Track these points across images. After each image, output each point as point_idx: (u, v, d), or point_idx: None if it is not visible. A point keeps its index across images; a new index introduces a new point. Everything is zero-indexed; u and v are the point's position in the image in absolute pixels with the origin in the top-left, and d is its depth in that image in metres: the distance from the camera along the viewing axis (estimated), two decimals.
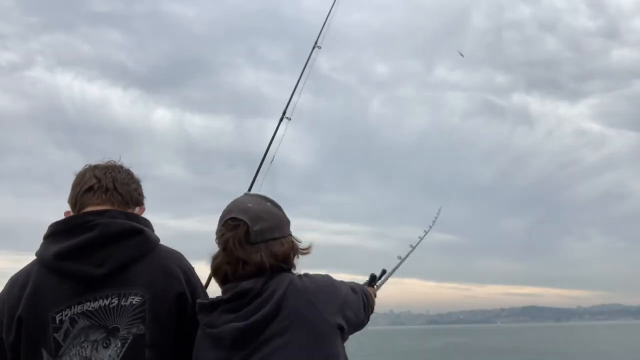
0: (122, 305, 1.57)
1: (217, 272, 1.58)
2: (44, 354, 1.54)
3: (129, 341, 1.55)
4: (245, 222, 1.54)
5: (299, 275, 1.58)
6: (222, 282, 1.57)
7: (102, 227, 1.59)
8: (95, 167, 1.76)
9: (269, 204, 1.63)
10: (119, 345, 1.55)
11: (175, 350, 1.62)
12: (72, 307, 1.55)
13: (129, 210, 1.72)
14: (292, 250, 1.60)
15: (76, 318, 1.55)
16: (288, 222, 1.66)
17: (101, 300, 1.56)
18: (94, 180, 1.71)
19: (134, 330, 1.56)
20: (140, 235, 1.64)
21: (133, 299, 1.57)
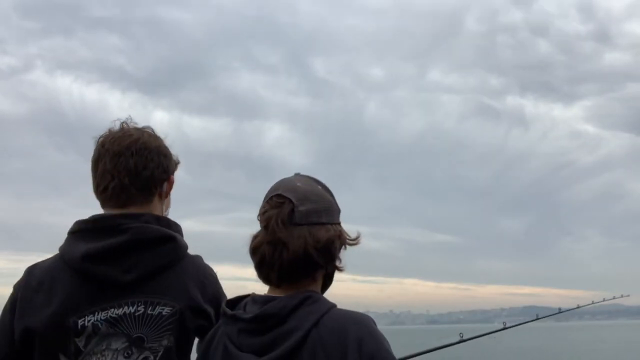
0: (149, 314, 1.48)
1: (255, 251, 1.39)
2: (62, 359, 1.46)
3: (159, 354, 1.48)
4: (291, 201, 1.38)
5: (333, 308, 1.36)
6: (259, 265, 1.40)
7: (134, 232, 1.50)
8: (106, 151, 1.58)
9: (319, 187, 1.46)
10: (151, 357, 1.47)
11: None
12: (96, 313, 1.46)
13: (155, 197, 1.63)
14: (338, 239, 1.41)
15: (99, 325, 1.46)
16: (338, 210, 1.47)
17: (126, 307, 1.47)
18: (108, 178, 1.57)
19: (164, 342, 1.48)
20: (172, 242, 1.56)
21: (163, 309, 1.49)
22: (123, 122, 1.64)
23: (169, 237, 1.55)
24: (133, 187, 1.57)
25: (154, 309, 1.48)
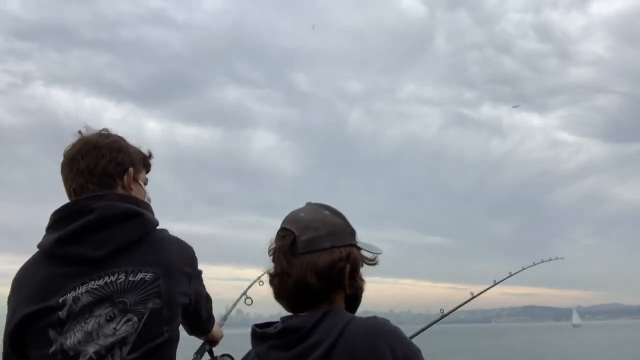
0: (130, 281, 1.55)
1: (270, 285, 1.44)
2: (50, 333, 1.53)
3: (145, 315, 1.54)
4: (293, 232, 1.41)
5: (355, 318, 1.36)
6: (274, 297, 1.44)
7: (100, 211, 1.58)
8: (64, 160, 1.71)
9: (327, 212, 1.47)
10: (136, 320, 1.52)
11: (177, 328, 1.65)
12: (77, 288, 1.54)
13: (118, 188, 1.70)
14: (345, 260, 1.40)
15: (79, 296, 1.54)
16: (349, 232, 1.45)
17: (107, 277, 1.54)
18: (69, 184, 1.69)
19: (149, 304, 1.55)
20: (138, 217, 1.62)
21: (145, 274, 1.56)
22: (79, 130, 1.75)
23: (134, 212, 1.62)
24: (90, 184, 1.66)
25: (135, 276, 1.55)
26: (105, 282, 1.54)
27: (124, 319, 1.52)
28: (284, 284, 1.39)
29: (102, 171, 1.68)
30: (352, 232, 1.47)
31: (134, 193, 1.74)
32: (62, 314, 1.53)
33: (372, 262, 1.47)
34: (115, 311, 1.53)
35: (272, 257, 1.43)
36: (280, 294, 1.41)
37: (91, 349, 1.51)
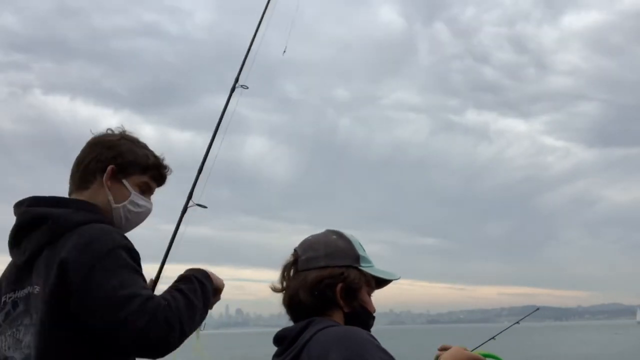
0: (32, 294, 1.58)
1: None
2: None
3: (37, 327, 1.53)
4: (297, 252, 1.54)
5: (333, 326, 1.39)
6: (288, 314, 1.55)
7: (18, 217, 1.66)
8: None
9: (334, 236, 1.55)
10: (33, 331, 1.54)
11: (76, 344, 1.51)
12: (17, 291, 1.63)
13: (95, 184, 1.71)
14: (334, 278, 1.45)
15: (18, 302, 1.61)
16: (350, 255, 1.51)
17: (29, 287, 1.59)
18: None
19: (36, 318, 1.54)
20: (45, 222, 1.60)
21: (35, 288, 1.57)
22: (108, 129, 1.82)
23: (40, 216, 1.61)
24: (75, 177, 1.75)
25: (33, 289, 1.58)
26: (28, 292, 1.59)
27: (30, 332, 1.55)
28: (284, 298, 1.52)
29: (86, 166, 1.73)
30: (356, 256, 1.52)
31: (112, 192, 1.72)
32: (0, 315, 1.64)
33: (381, 286, 1.57)
34: (31, 324, 1.56)
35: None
36: (286, 307, 1.53)
37: (18, 357, 1.57)
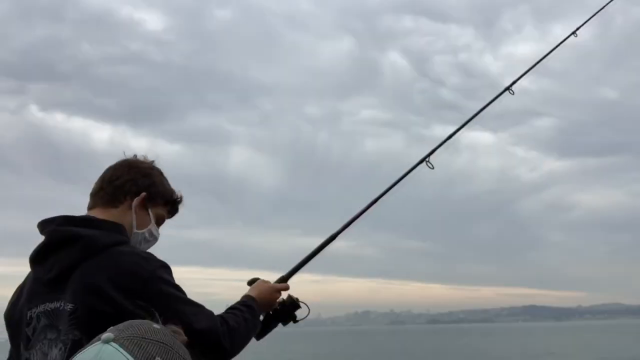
0: (62, 310, 1.60)
1: None
2: (21, 346, 1.67)
3: (68, 345, 1.56)
4: None
5: None
6: None
7: (48, 235, 1.67)
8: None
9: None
10: (63, 348, 1.57)
11: None
12: (39, 306, 1.65)
13: (124, 204, 1.76)
14: None
15: (41, 316, 1.64)
16: None
17: (56, 302, 1.62)
18: (93, 187, 1.82)
19: (70, 335, 1.57)
20: (79, 242, 1.63)
21: (67, 305, 1.59)
22: (134, 155, 1.88)
23: (74, 237, 1.64)
24: (102, 191, 1.78)
25: (64, 305, 1.60)
26: (54, 307, 1.62)
27: (58, 347, 1.59)
28: None
29: (120, 186, 1.78)
30: None
31: (137, 218, 1.79)
32: (28, 330, 1.65)
33: None
34: (57, 339, 1.59)
35: None
36: None
37: None
